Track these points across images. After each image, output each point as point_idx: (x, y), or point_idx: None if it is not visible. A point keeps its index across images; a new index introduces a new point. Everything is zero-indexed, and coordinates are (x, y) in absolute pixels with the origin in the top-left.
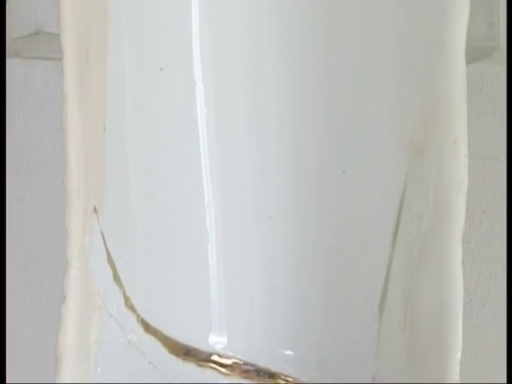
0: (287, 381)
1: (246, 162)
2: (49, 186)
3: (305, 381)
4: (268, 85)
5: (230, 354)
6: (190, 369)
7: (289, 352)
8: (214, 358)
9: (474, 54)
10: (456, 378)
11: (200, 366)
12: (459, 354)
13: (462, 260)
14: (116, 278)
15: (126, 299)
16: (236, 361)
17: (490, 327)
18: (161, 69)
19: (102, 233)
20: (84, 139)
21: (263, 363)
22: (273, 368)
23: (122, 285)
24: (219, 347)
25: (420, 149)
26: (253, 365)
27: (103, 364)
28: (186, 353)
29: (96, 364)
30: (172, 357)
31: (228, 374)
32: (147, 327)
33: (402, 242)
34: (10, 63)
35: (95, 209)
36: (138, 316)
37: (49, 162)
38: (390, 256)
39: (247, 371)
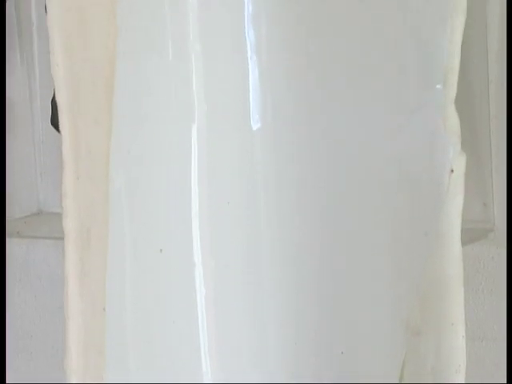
0: None
1: (244, 340)
2: (48, 367)
3: None
4: (266, 266)
5: None
6: None
7: None
8: None
9: (470, 235)
10: None
11: None
12: None
13: None
14: None
15: None
16: None
17: None
18: (160, 250)
19: None
20: (84, 319)
21: None
22: None
23: None
24: None
25: (418, 330)
26: None
27: None
28: None
29: None
30: None
31: None
32: None
33: None
34: (10, 242)
35: None
36: None
37: (48, 341)
38: None
39: None
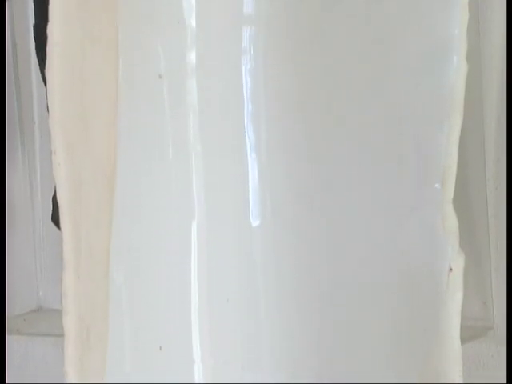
0: None
1: None
2: None
3: None
4: (266, 364)
5: None
6: None
7: None
8: None
9: (470, 333)
10: None
11: None
12: None
13: None
14: None
15: None
16: None
17: None
18: (160, 348)
19: None
20: None
21: None
22: None
23: None
24: None
25: None
26: None
27: None
28: None
29: None
30: None
31: None
32: None
33: None
34: (10, 340)
35: None
36: None
37: None
38: None
39: None
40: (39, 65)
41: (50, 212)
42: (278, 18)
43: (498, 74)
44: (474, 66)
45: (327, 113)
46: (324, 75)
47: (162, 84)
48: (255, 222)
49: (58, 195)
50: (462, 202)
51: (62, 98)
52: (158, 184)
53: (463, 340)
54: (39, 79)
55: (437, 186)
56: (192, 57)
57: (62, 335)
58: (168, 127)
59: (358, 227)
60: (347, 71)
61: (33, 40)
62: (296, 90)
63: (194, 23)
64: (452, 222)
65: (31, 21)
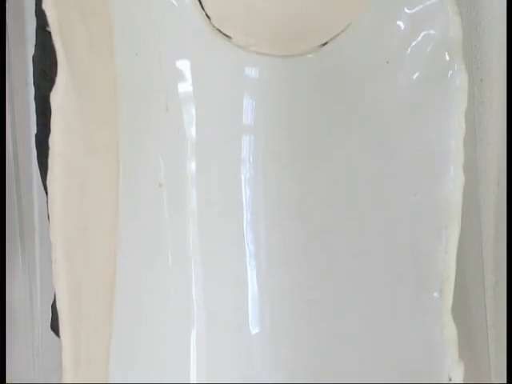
0: None
1: None
2: None
3: None
4: None
5: None
6: None
7: None
8: None
9: None
10: None
11: None
12: None
13: None
14: None
15: None
16: None
17: None
18: None
19: None
20: None
21: None
22: None
23: None
24: None
25: None
26: None
27: None
28: None
29: None
30: None
31: None
32: None
33: None
34: None
35: None
36: None
37: None
38: None
39: None
40: (40, 173)
41: (50, 319)
42: (277, 127)
43: (495, 183)
44: (471, 175)
45: (327, 221)
46: (323, 183)
47: (162, 193)
48: (254, 330)
49: (57, 304)
50: (461, 310)
51: (63, 207)
52: (157, 292)
53: None
54: (40, 186)
55: (435, 295)
56: (192, 166)
57: None
58: (168, 235)
59: (358, 334)
60: (346, 180)
61: (34, 149)
62: (295, 198)
63: (194, 133)
64: (451, 331)
65: (33, 131)
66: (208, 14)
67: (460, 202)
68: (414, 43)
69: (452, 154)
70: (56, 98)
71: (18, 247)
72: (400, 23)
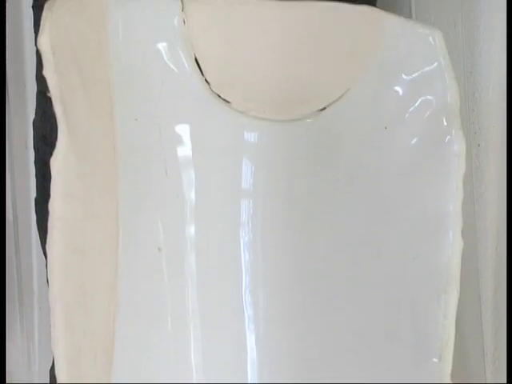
0: None
1: None
2: None
3: None
4: None
5: None
6: None
7: None
8: None
9: None
10: None
11: None
12: None
13: None
14: None
15: None
16: None
17: None
18: None
19: None
20: None
21: None
22: None
23: None
24: None
25: None
26: None
27: None
28: None
29: None
30: None
31: None
32: None
33: None
34: None
35: None
36: None
37: None
38: None
39: None
40: (40, 237)
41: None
42: (276, 192)
43: (494, 248)
44: (469, 240)
45: (326, 284)
46: (322, 248)
47: (162, 257)
48: None
49: (56, 369)
50: (461, 375)
51: (62, 272)
52: (156, 356)
53: None
54: (39, 250)
55: (435, 360)
56: (191, 230)
57: None
58: (167, 299)
59: None
60: (345, 244)
61: (34, 212)
62: (294, 261)
63: (193, 197)
64: None
65: (33, 194)
66: (207, 79)
67: (459, 266)
68: (412, 109)
69: (451, 218)
70: (56, 163)
71: (16, 311)
72: (398, 89)
